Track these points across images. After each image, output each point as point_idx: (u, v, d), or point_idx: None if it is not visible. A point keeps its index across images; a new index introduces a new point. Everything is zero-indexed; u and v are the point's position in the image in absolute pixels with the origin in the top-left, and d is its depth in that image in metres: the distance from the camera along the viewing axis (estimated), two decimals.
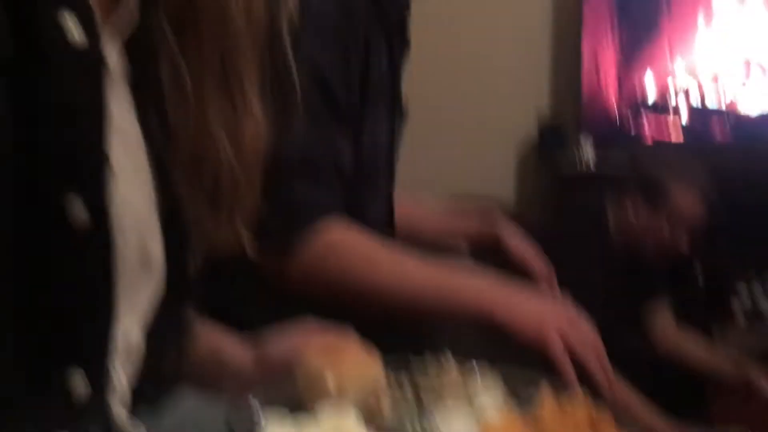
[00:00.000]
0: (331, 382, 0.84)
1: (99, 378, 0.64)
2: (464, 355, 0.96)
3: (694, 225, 2.44)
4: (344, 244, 1.16)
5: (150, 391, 0.88)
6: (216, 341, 1.01)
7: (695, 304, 3.12)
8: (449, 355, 0.95)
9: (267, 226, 0.93)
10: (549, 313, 1.09)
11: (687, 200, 2.39)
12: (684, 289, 2.99)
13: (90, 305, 0.66)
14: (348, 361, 0.86)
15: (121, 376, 0.77)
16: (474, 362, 0.94)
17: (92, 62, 0.66)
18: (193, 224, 0.79)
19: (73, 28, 0.63)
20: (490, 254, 1.45)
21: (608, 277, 2.20)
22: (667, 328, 2.63)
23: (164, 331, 0.88)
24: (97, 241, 0.67)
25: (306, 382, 0.87)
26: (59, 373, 0.64)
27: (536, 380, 0.91)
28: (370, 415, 0.86)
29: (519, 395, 0.91)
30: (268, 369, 0.96)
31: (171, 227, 0.80)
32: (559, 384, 0.86)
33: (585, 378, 1.02)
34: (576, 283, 1.40)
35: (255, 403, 0.85)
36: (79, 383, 0.63)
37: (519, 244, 1.44)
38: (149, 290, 0.79)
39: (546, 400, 0.80)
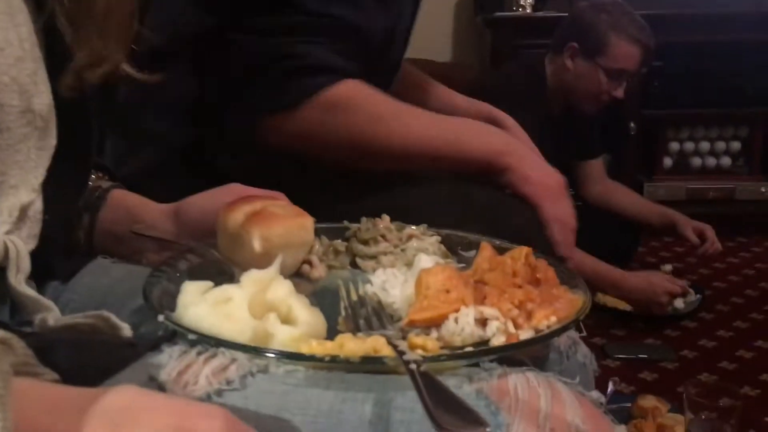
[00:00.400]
0: (257, 242, 0.77)
1: None
2: (403, 221, 0.90)
3: (631, 76, 2.45)
4: (353, 98, 1.13)
5: (61, 263, 0.81)
6: (129, 199, 0.92)
7: (627, 159, 3.17)
8: (387, 218, 0.89)
9: (273, 77, 1.05)
10: (551, 176, 1.16)
11: (625, 50, 2.38)
12: (617, 143, 3.04)
13: None
14: (277, 222, 0.78)
15: (21, 249, 0.69)
16: (412, 226, 0.89)
17: None
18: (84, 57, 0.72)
19: None
20: None
21: (543, 127, 2.17)
22: (599, 181, 2.69)
23: (67, 192, 0.80)
24: None
25: (229, 243, 0.79)
26: None
27: (476, 244, 0.87)
28: (302, 280, 0.80)
29: (459, 257, 0.87)
30: (186, 224, 0.88)
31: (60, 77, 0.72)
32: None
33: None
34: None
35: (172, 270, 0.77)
36: None
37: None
38: (41, 150, 0.71)
39: (484, 250, 0.76)
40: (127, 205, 0.90)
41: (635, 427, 1.83)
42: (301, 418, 0.54)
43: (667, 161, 3.33)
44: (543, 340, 0.62)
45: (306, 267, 0.82)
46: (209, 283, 0.66)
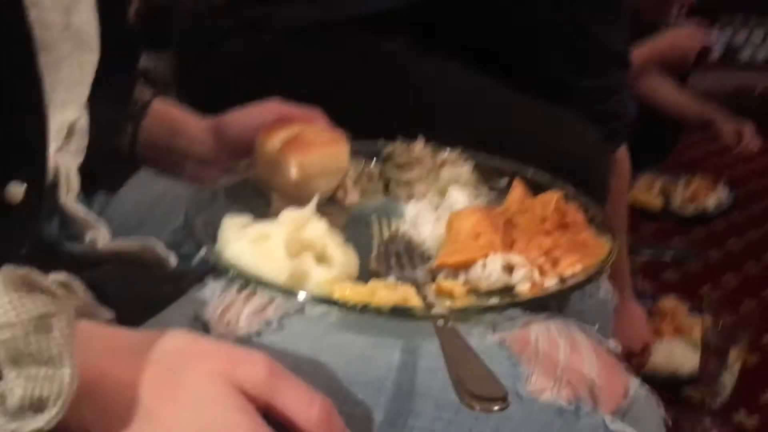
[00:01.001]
0: (293, 170, 0.79)
1: (37, 176, 0.59)
2: (438, 142, 0.90)
3: None
4: None
5: (108, 174, 0.84)
6: (169, 111, 0.93)
7: None
8: (422, 142, 0.90)
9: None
10: None
11: None
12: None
13: (18, 94, 0.59)
14: (313, 148, 0.80)
15: (70, 168, 0.72)
16: (447, 151, 0.89)
17: None
18: None
19: None
20: None
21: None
22: (650, 73, 2.62)
23: (112, 105, 0.82)
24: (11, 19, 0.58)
25: (266, 167, 0.82)
26: None
27: (510, 172, 0.88)
28: (335, 207, 0.83)
29: (491, 186, 0.88)
30: (225, 142, 0.90)
31: None
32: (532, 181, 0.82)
33: None
34: None
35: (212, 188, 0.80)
36: (16, 189, 0.58)
37: None
38: (83, 66, 0.72)
39: (516, 189, 0.77)
40: (168, 118, 0.92)
41: (655, 327, 1.89)
42: (335, 361, 0.57)
43: (714, 51, 3.22)
44: (566, 292, 0.64)
45: (340, 192, 0.84)
46: (248, 218, 0.68)
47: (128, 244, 0.69)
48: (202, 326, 0.59)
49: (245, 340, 0.58)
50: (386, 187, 0.87)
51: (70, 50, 0.70)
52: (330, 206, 0.82)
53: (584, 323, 0.66)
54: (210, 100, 0.95)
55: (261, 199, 0.80)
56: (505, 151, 1.15)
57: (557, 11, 1.29)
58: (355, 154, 0.90)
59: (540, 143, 1.19)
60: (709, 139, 3.02)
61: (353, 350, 0.58)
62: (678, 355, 1.80)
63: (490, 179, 0.89)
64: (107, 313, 0.51)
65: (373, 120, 1.18)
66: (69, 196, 0.73)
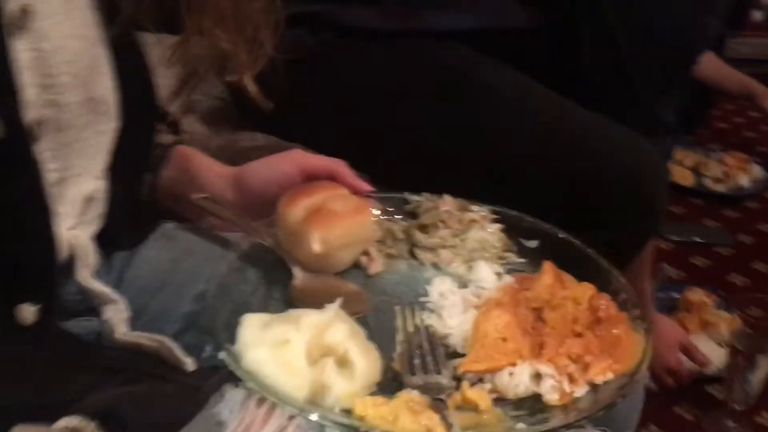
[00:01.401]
0: (316, 244, 0.76)
1: (48, 298, 0.57)
2: (464, 196, 0.87)
3: None
4: None
5: (127, 234, 0.82)
6: (190, 158, 0.90)
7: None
8: (448, 199, 0.86)
9: None
10: None
11: None
12: None
13: (25, 220, 0.57)
14: (337, 220, 0.77)
15: (85, 245, 0.70)
16: (475, 209, 0.86)
17: None
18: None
19: None
20: None
21: None
22: None
23: (132, 167, 0.79)
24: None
25: (288, 238, 0.79)
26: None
27: (539, 233, 0.84)
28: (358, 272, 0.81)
29: (520, 249, 0.85)
30: (246, 194, 0.87)
31: (124, 56, 0.70)
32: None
33: None
34: None
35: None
36: (27, 310, 0.56)
37: None
38: (102, 134, 0.70)
39: (546, 275, 0.74)
40: (188, 165, 0.89)
41: (679, 321, 1.87)
42: None
43: (757, 15, 3.08)
44: (599, 410, 0.62)
45: (364, 258, 0.81)
46: (268, 316, 0.66)
47: (146, 338, 0.67)
48: None
49: None
50: (411, 250, 0.84)
51: (87, 122, 0.68)
52: (352, 275, 0.80)
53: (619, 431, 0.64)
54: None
55: (282, 270, 0.78)
56: (563, 159, 1.14)
57: None
58: (379, 209, 0.87)
59: (602, 154, 1.17)
60: (741, 111, 2.94)
61: None
62: (703, 351, 1.78)
63: (519, 239, 0.86)
64: None
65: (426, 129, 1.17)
66: (85, 271, 0.71)
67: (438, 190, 0.88)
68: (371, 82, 1.25)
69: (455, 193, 0.88)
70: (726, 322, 1.83)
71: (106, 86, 0.69)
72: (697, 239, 2.23)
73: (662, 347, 1.65)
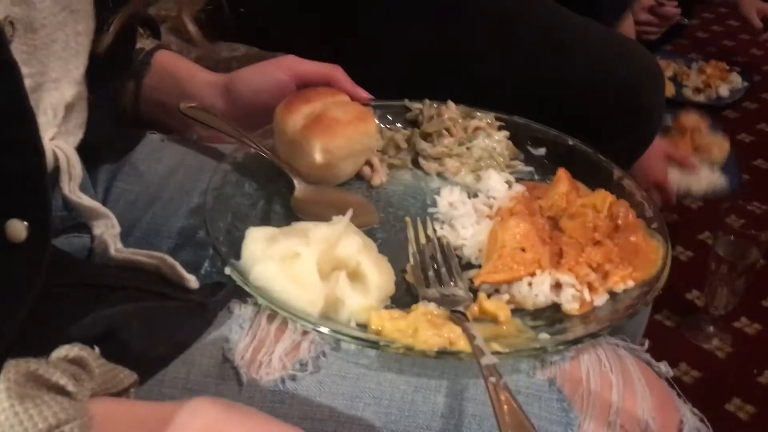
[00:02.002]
0: (318, 154, 0.72)
1: (40, 215, 0.52)
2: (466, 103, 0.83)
3: None
4: None
5: (110, 144, 0.77)
6: (175, 64, 0.84)
7: None
8: (452, 106, 0.82)
9: None
10: None
11: None
12: None
13: (8, 130, 0.52)
14: (338, 129, 0.72)
15: (71, 155, 0.65)
16: (479, 113, 0.82)
17: None
18: None
19: None
20: None
21: None
22: None
23: (111, 69, 0.74)
24: None
25: (287, 147, 0.75)
26: None
27: (546, 141, 0.81)
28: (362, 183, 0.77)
29: (528, 156, 0.81)
30: (237, 102, 0.82)
31: None
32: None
33: None
34: None
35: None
36: (17, 226, 0.52)
37: None
38: (80, 35, 0.65)
39: (561, 182, 0.71)
40: (173, 73, 0.83)
41: (672, 142, 1.80)
42: (375, 407, 0.54)
43: None
44: (619, 321, 0.60)
45: (367, 169, 0.77)
46: (274, 229, 0.63)
47: (145, 254, 0.63)
48: (233, 371, 0.55)
49: (279, 384, 0.54)
50: (414, 160, 0.80)
51: (62, 21, 0.62)
52: (355, 187, 0.76)
53: (630, 338, 0.63)
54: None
55: (281, 181, 0.74)
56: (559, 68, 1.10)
57: None
58: (379, 118, 0.83)
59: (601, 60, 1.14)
60: (720, 20, 2.90)
61: (394, 395, 0.55)
62: (692, 179, 1.72)
63: (526, 146, 0.82)
64: (129, 377, 0.47)
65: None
66: (72, 184, 0.66)
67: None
68: None
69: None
70: (718, 146, 1.80)
71: None
72: None
73: (648, 160, 1.62)
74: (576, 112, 1.08)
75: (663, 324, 1.66)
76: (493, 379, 0.51)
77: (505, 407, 0.48)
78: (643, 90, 1.14)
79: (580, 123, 1.02)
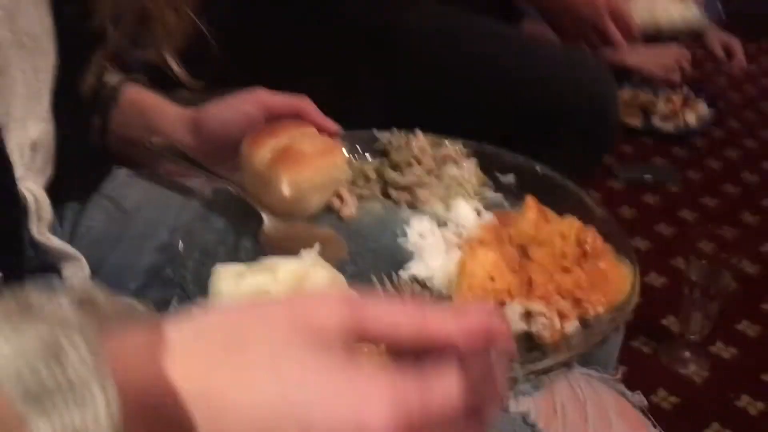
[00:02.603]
0: (286, 188, 0.72)
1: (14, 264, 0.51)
2: (435, 131, 0.83)
3: None
4: None
5: (78, 182, 0.76)
6: (142, 100, 0.84)
7: None
8: (420, 135, 0.82)
9: None
10: None
11: None
12: None
13: None
14: (306, 162, 0.72)
15: (39, 197, 0.64)
16: (448, 144, 0.82)
17: None
18: None
19: None
20: None
21: None
22: None
23: (77, 106, 0.73)
24: None
25: (255, 181, 0.74)
26: None
27: (515, 167, 0.82)
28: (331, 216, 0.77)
29: (497, 184, 0.82)
30: (206, 137, 0.81)
31: None
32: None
33: None
34: None
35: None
36: None
37: None
38: (40, 72, 0.64)
39: (530, 210, 0.71)
40: (141, 107, 0.83)
41: None
42: None
43: None
44: (593, 345, 0.60)
45: (336, 201, 0.77)
46: (242, 266, 0.62)
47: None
48: None
49: None
50: (383, 191, 0.80)
51: (20, 59, 0.61)
52: (324, 219, 0.76)
53: (603, 367, 0.63)
54: None
55: (250, 216, 0.73)
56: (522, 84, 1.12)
57: None
58: (347, 148, 0.83)
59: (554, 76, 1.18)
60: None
61: None
62: (659, 8, 1.61)
63: (495, 174, 0.83)
64: (140, 306, 0.42)
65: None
66: (41, 225, 0.65)
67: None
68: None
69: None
70: None
71: (35, 16, 0.63)
72: (648, 177, 2.25)
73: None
74: (533, 122, 1.12)
75: (640, 350, 1.66)
76: None
77: None
78: (596, 95, 1.18)
79: (537, 133, 1.07)
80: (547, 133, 1.09)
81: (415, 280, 0.67)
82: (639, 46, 2.29)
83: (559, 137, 1.13)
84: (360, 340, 0.36)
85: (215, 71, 0.77)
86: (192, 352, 0.35)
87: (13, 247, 0.49)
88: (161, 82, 0.88)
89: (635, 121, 2.44)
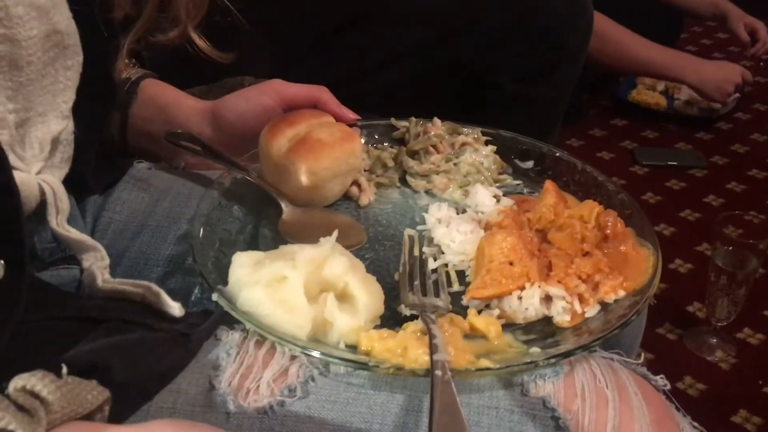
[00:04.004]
0: (303, 177, 0.72)
1: (16, 253, 0.52)
2: (452, 119, 0.83)
3: None
4: None
5: (98, 175, 0.77)
6: (161, 93, 0.84)
7: None
8: (438, 122, 0.82)
9: None
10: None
11: None
12: None
13: None
14: (324, 150, 0.72)
15: (57, 189, 0.65)
16: (466, 129, 0.82)
17: None
18: None
19: None
20: None
21: None
22: None
23: (97, 103, 0.74)
24: None
25: (273, 171, 0.74)
26: None
27: (533, 153, 0.81)
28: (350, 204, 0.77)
29: (515, 170, 0.81)
30: (223, 128, 0.82)
31: None
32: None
33: None
34: None
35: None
36: None
37: None
38: (69, 69, 0.65)
39: (548, 194, 0.71)
40: (159, 101, 0.83)
41: None
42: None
43: None
44: (614, 330, 0.59)
45: (354, 189, 0.77)
46: (260, 253, 0.62)
47: (130, 284, 0.63)
48: (220, 399, 0.54)
49: (267, 411, 0.53)
50: (402, 178, 0.80)
51: (52, 58, 0.62)
52: (343, 207, 0.76)
53: (626, 352, 0.62)
54: None
55: (269, 205, 0.74)
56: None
57: None
58: (365, 137, 0.83)
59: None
60: (709, 33, 2.92)
61: (387, 417, 0.54)
62: None
63: (513, 160, 0.82)
64: (99, 395, 0.45)
65: None
66: (60, 218, 0.66)
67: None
68: None
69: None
70: None
71: (67, 16, 0.63)
72: (672, 163, 2.22)
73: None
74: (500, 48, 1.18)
75: (666, 337, 1.65)
76: (438, 373, 0.50)
77: (442, 402, 0.48)
78: (566, 26, 1.19)
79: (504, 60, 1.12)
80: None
81: (433, 265, 0.67)
82: (696, 61, 2.27)
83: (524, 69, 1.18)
84: None
85: (240, 45, 0.78)
86: None
87: (12, 235, 0.50)
88: (182, 76, 0.89)
89: (659, 106, 2.41)
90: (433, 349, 0.54)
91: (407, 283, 0.64)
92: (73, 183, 0.70)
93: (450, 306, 0.62)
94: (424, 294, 0.63)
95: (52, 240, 0.68)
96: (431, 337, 0.55)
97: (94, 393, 0.45)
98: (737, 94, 2.35)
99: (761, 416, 1.41)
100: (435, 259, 0.67)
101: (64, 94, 0.65)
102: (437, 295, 0.63)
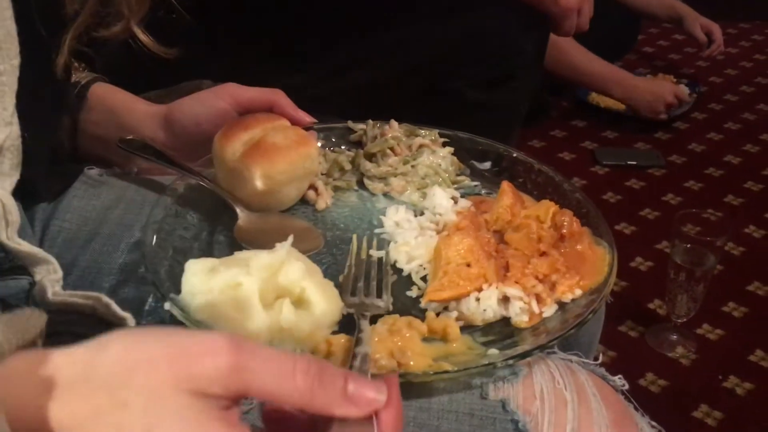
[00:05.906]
0: (258, 181, 0.71)
1: None
2: (410, 121, 0.82)
3: None
4: None
5: (46, 183, 0.75)
6: (112, 97, 0.83)
7: None
8: (395, 124, 0.81)
9: None
10: None
11: None
12: None
13: None
14: (279, 157, 0.71)
15: (6, 201, 0.63)
16: (423, 131, 0.81)
17: None
18: None
19: None
20: None
21: None
22: None
23: (43, 105, 0.72)
24: None
25: (228, 175, 0.73)
26: None
27: (491, 154, 0.81)
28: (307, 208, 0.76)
29: (473, 172, 0.81)
30: (177, 132, 0.80)
31: None
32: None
33: None
34: None
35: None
36: None
37: None
38: (4, 75, 0.63)
39: (505, 195, 0.71)
40: (110, 105, 0.81)
41: None
42: None
43: None
44: (571, 329, 0.59)
45: (311, 193, 0.76)
46: (214, 260, 0.61)
47: (80, 296, 0.61)
48: None
49: None
50: (359, 181, 0.79)
51: None
52: (300, 212, 0.75)
53: (585, 353, 0.62)
54: None
55: (224, 211, 0.72)
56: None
57: None
58: (322, 140, 0.82)
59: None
60: (665, 34, 2.97)
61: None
62: None
63: (471, 162, 0.82)
64: (38, 319, 0.43)
65: None
66: (9, 230, 0.64)
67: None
68: None
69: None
70: None
71: (2, 19, 0.61)
72: (631, 162, 2.25)
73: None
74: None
75: (627, 335, 1.67)
76: (357, 364, 0.51)
77: None
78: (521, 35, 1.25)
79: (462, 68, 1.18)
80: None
81: (391, 268, 0.66)
82: (629, 78, 2.31)
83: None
84: (241, 396, 0.38)
85: (184, 41, 0.76)
86: (80, 395, 0.37)
87: None
88: (135, 80, 0.87)
89: (618, 106, 2.44)
90: (357, 342, 0.54)
91: (349, 285, 0.63)
92: (22, 190, 0.68)
93: (391, 307, 0.62)
94: (366, 295, 0.62)
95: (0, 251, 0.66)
96: (358, 330, 0.56)
97: (33, 318, 0.43)
98: (674, 110, 2.40)
99: (721, 411, 1.43)
100: (383, 261, 0.66)
101: (3, 100, 0.63)
102: (379, 296, 0.62)
